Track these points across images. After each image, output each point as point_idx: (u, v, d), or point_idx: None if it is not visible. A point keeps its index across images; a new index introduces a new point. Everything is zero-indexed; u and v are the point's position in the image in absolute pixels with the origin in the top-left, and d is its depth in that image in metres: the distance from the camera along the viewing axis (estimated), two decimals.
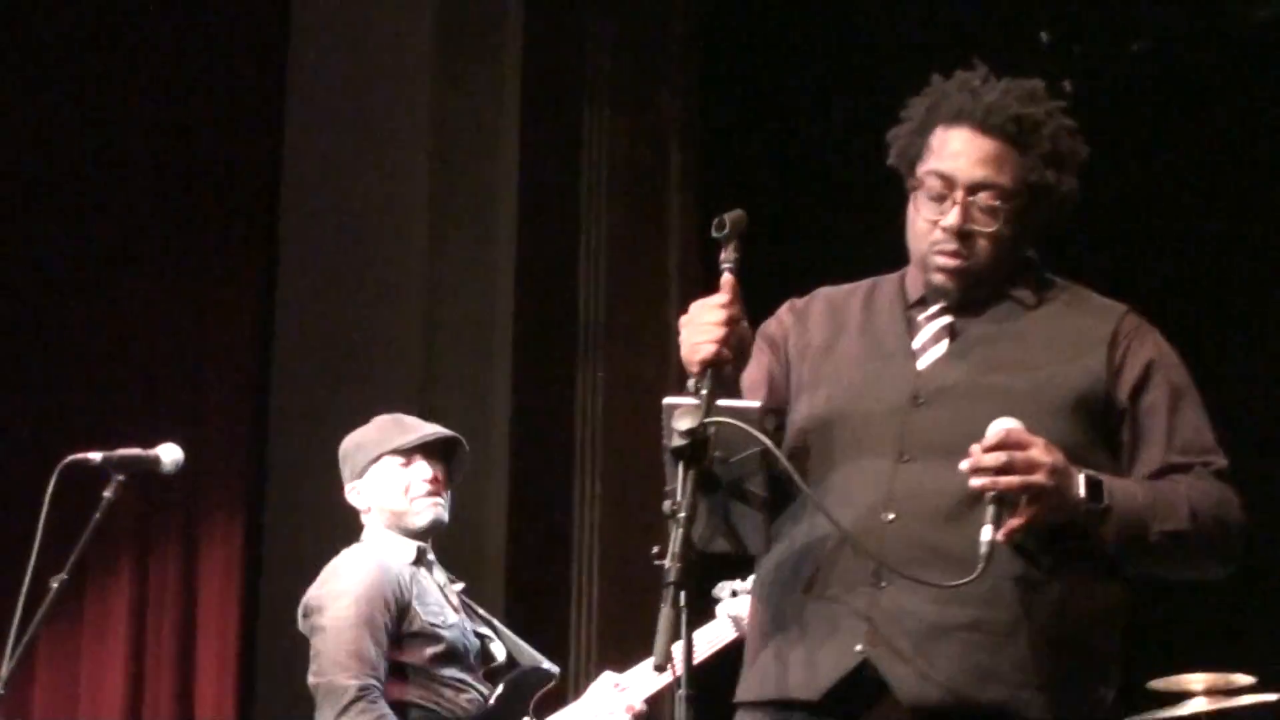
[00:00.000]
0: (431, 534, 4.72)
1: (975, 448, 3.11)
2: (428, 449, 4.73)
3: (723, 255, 3.20)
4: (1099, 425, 3.30)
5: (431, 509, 4.68)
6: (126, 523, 7.44)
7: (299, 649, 7.66)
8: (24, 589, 3.88)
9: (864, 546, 3.15)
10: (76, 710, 7.66)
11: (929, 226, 3.36)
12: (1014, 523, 3.07)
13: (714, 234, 3.20)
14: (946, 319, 3.39)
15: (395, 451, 4.71)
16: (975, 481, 3.09)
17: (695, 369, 3.12)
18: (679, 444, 2.96)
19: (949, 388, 3.29)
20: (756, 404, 3.15)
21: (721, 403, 3.06)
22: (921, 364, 3.36)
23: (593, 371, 7.12)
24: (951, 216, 3.32)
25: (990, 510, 3.07)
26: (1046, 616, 3.16)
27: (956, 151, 3.34)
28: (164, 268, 7.93)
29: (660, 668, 2.84)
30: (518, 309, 7.30)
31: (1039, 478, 3.09)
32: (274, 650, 7.55)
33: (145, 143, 8.02)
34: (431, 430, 4.76)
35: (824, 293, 3.54)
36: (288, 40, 7.82)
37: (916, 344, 3.39)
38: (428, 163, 7.53)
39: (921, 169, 3.39)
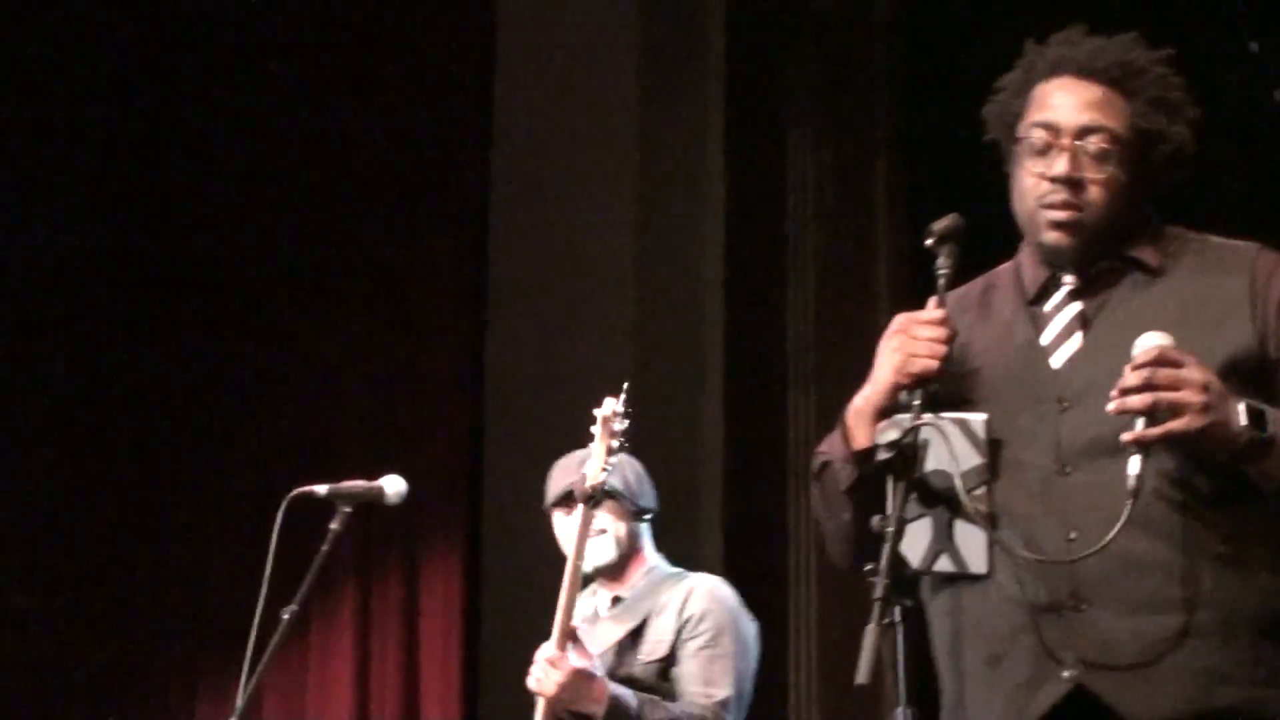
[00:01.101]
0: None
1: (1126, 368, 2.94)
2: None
3: (937, 264, 3.12)
4: (1260, 388, 3.05)
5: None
6: (349, 551, 7.56)
7: (520, 669, 7.75)
8: (255, 621, 3.95)
9: (1056, 572, 3.00)
10: None
11: (1035, 181, 3.17)
12: (1171, 425, 2.91)
13: (926, 243, 3.12)
14: (1075, 307, 3.18)
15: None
16: (1126, 402, 2.92)
17: (907, 382, 3.04)
18: (884, 456, 2.91)
19: (1092, 386, 3.06)
20: (982, 416, 3.07)
21: (946, 415, 3.00)
22: (1056, 362, 3.16)
23: (804, 396, 7.10)
24: (1060, 164, 3.13)
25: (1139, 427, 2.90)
26: (1256, 607, 3.01)
27: (1059, 101, 3.18)
28: (377, 299, 8.05)
29: (863, 685, 2.79)
30: (727, 333, 7.30)
31: (1189, 394, 2.90)
32: (497, 672, 7.62)
33: (352, 173, 8.15)
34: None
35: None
36: (494, 63, 7.88)
37: (1046, 339, 3.18)
38: (634, 186, 7.55)
39: (1023, 126, 3.21)
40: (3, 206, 8.66)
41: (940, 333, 3.04)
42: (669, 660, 4.41)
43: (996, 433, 3.07)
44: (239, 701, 3.94)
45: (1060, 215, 3.14)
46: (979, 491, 3.02)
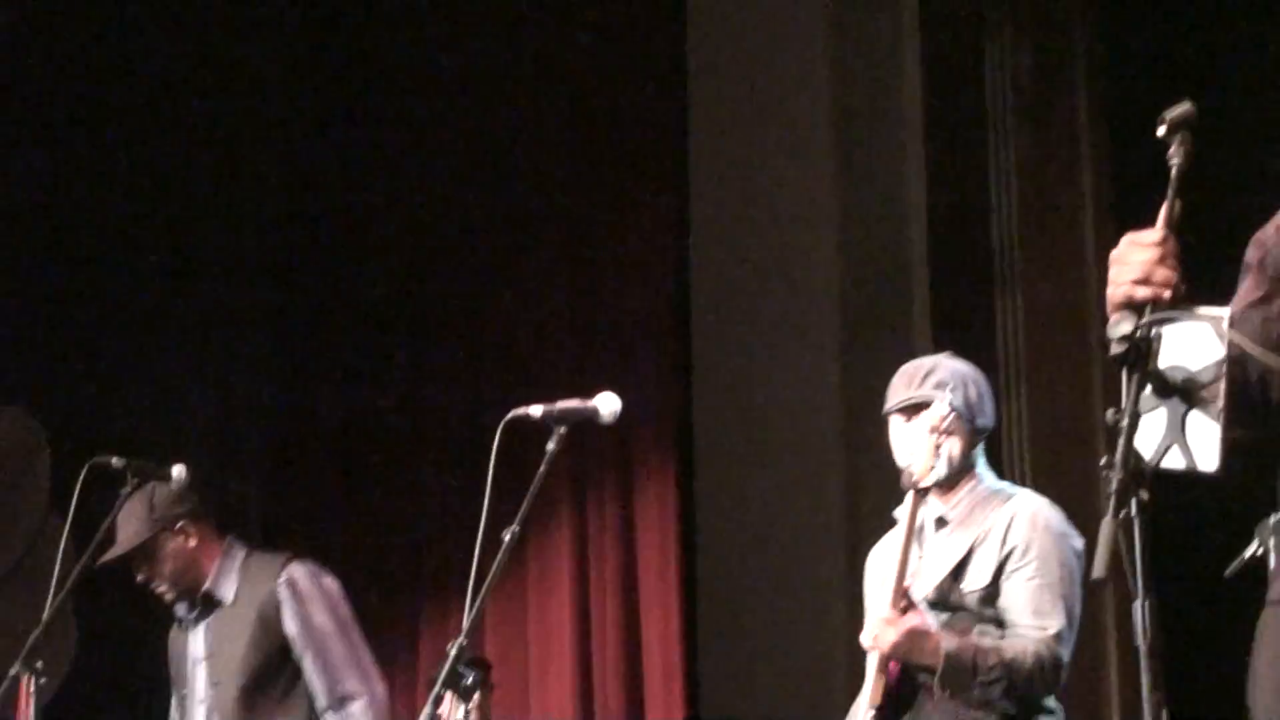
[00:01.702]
0: None
1: None
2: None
3: (1170, 153, 2.97)
4: None
5: None
6: (564, 473, 7.65)
7: (736, 584, 7.81)
8: (478, 544, 4.00)
9: None
10: (527, 655, 7.89)
11: None
12: None
13: (1159, 132, 2.98)
14: None
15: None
16: None
17: (1125, 313, 2.91)
18: (1116, 350, 2.83)
19: None
20: (1222, 311, 2.98)
21: (1183, 310, 2.92)
22: None
23: (1010, 302, 7.05)
24: None
25: None
26: None
27: None
28: (582, 222, 8.12)
29: (1100, 582, 2.75)
30: (931, 244, 7.27)
31: None
32: (714, 589, 7.68)
33: (556, 108, 8.23)
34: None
35: None
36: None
37: None
38: (831, 101, 7.53)
39: None
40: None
41: (1152, 254, 2.92)
42: (993, 589, 4.36)
43: None
44: (465, 624, 3.99)
45: None
46: (1214, 386, 2.95)
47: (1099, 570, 2.74)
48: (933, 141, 7.31)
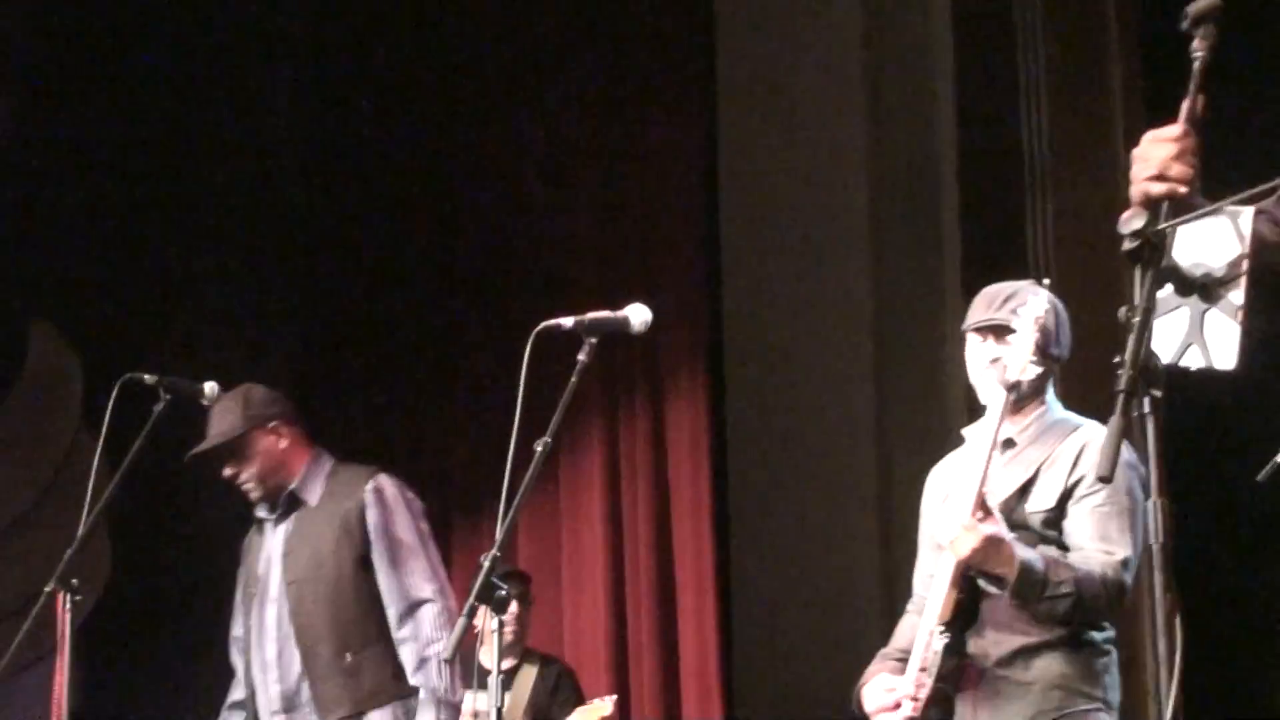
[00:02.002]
0: None
1: None
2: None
3: (1193, 47, 2.93)
4: None
5: None
6: (595, 384, 7.66)
7: (770, 488, 7.82)
8: (509, 456, 3.99)
9: None
10: (559, 565, 7.92)
11: None
12: None
13: (1182, 25, 2.94)
14: None
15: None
16: None
17: (1145, 209, 2.88)
18: (1128, 246, 2.81)
19: None
20: (1242, 206, 2.94)
21: (1202, 206, 2.89)
22: None
23: (1041, 206, 7.02)
24: None
25: None
26: None
27: None
28: (611, 133, 8.10)
29: (1104, 479, 2.76)
30: (961, 148, 7.23)
31: None
32: (746, 496, 7.69)
33: (585, 23, 8.22)
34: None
35: None
36: None
37: None
38: (860, 4, 7.48)
39: None
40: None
41: (1171, 150, 2.90)
42: (1057, 512, 4.37)
43: None
44: (497, 537, 3.99)
45: None
46: (1233, 283, 2.92)
47: (1103, 469, 2.74)
48: (961, 46, 7.26)
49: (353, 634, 5.33)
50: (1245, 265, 2.93)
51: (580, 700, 6.97)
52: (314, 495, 5.52)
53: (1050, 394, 4.57)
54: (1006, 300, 4.53)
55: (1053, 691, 4.27)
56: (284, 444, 5.53)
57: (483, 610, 3.97)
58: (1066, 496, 4.39)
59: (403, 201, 8.72)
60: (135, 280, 8.75)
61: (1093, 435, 4.47)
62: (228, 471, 5.53)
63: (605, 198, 8.06)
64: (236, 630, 5.72)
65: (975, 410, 4.69)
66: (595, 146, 8.13)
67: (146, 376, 5.16)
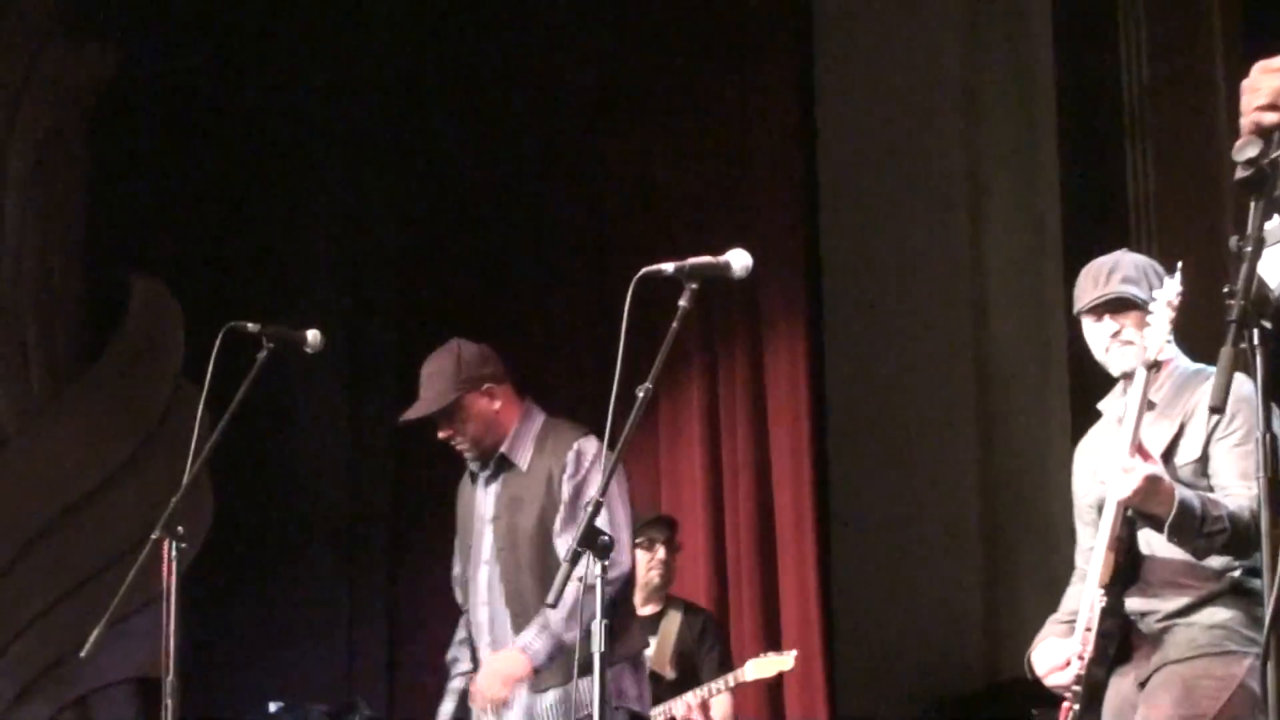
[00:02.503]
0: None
1: None
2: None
3: None
4: None
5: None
6: (695, 330, 7.65)
7: (869, 434, 7.81)
8: (611, 402, 3.98)
9: None
10: (660, 508, 7.93)
11: None
12: None
13: None
14: None
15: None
16: None
17: (1256, 138, 2.84)
18: (1241, 175, 2.78)
19: None
20: None
21: None
22: None
23: (1140, 140, 6.95)
24: None
25: None
26: None
27: None
28: (710, 80, 8.08)
29: (1217, 409, 2.74)
30: (1060, 89, 7.19)
31: None
32: (844, 446, 7.69)
33: None
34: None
35: None
36: None
37: None
38: None
39: None
40: None
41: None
42: (1204, 459, 4.43)
43: None
44: (600, 482, 3.98)
45: None
46: None
47: (1215, 399, 2.73)
48: None
49: None
50: None
51: (727, 650, 6.96)
52: (524, 458, 5.49)
53: (1171, 349, 4.57)
54: (1111, 274, 4.56)
55: (1214, 630, 4.33)
56: (497, 404, 5.49)
57: (587, 556, 3.98)
58: (1209, 440, 4.45)
59: (503, 147, 8.72)
60: (236, 230, 8.80)
61: None
62: (442, 434, 5.52)
63: (706, 143, 8.04)
64: (456, 569, 5.73)
65: (1078, 357, 4.66)
66: (693, 92, 8.10)
67: (249, 325, 5.17)
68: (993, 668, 7.59)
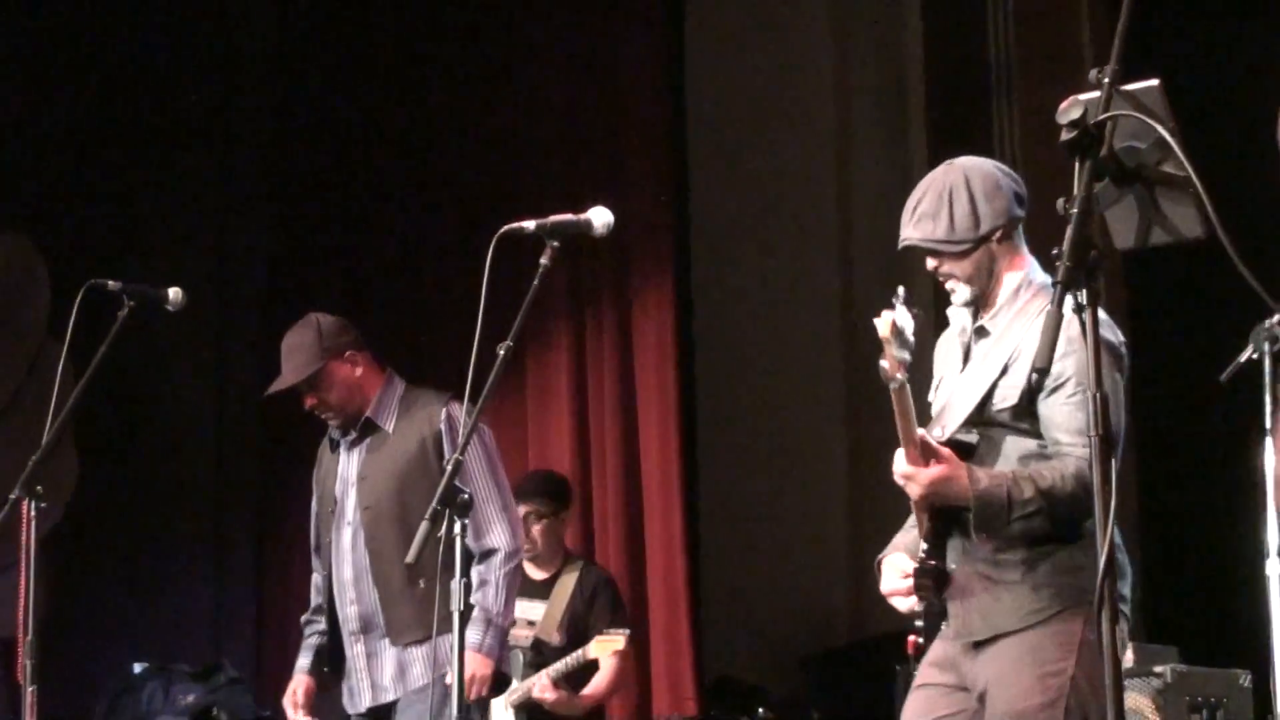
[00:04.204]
0: None
1: None
2: None
3: None
4: None
5: None
6: (562, 288, 7.65)
7: (733, 391, 7.83)
8: (472, 359, 3.98)
9: None
10: (526, 469, 7.92)
11: None
12: None
13: None
14: None
15: None
16: None
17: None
18: (1066, 137, 2.78)
19: None
20: (1155, 81, 2.89)
21: (1124, 88, 2.83)
22: None
23: (1006, 105, 7.01)
24: None
25: None
26: None
27: None
28: (578, 33, 8.05)
29: (1041, 371, 2.71)
30: (927, 46, 7.23)
31: None
32: (712, 397, 7.70)
33: None
34: None
35: None
36: None
37: None
38: None
39: None
40: None
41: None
42: (1028, 406, 4.02)
43: None
44: (459, 441, 3.98)
45: None
46: (1169, 156, 2.86)
47: (1039, 360, 2.72)
48: None
49: (426, 561, 5.28)
50: (1172, 132, 2.86)
51: (620, 607, 6.90)
52: (388, 421, 5.55)
53: (1004, 262, 4.18)
54: (913, 212, 4.21)
55: (1042, 590, 4.00)
56: (359, 371, 5.54)
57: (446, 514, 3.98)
58: (1034, 389, 4.06)
59: (371, 107, 8.67)
60: (102, 188, 8.71)
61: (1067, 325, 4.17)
62: (307, 404, 5.54)
63: (573, 99, 8.01)
64: (314, 537, 5.73)
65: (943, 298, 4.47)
66: (563, 52, 8.08)
67: (110, 283, 5.13)
68: (858, 624, 7.64)
